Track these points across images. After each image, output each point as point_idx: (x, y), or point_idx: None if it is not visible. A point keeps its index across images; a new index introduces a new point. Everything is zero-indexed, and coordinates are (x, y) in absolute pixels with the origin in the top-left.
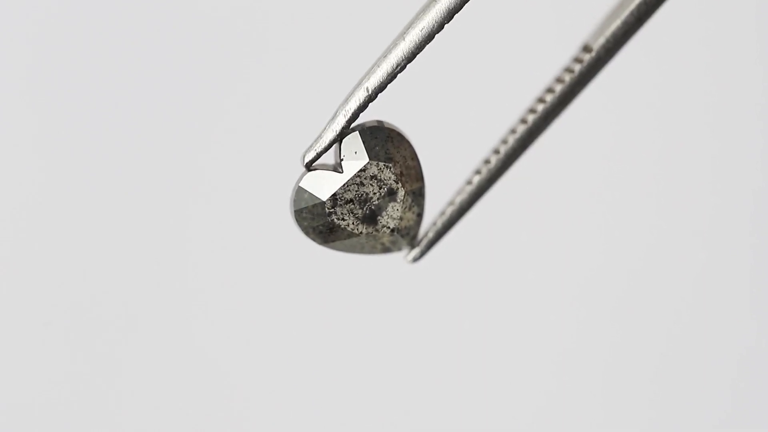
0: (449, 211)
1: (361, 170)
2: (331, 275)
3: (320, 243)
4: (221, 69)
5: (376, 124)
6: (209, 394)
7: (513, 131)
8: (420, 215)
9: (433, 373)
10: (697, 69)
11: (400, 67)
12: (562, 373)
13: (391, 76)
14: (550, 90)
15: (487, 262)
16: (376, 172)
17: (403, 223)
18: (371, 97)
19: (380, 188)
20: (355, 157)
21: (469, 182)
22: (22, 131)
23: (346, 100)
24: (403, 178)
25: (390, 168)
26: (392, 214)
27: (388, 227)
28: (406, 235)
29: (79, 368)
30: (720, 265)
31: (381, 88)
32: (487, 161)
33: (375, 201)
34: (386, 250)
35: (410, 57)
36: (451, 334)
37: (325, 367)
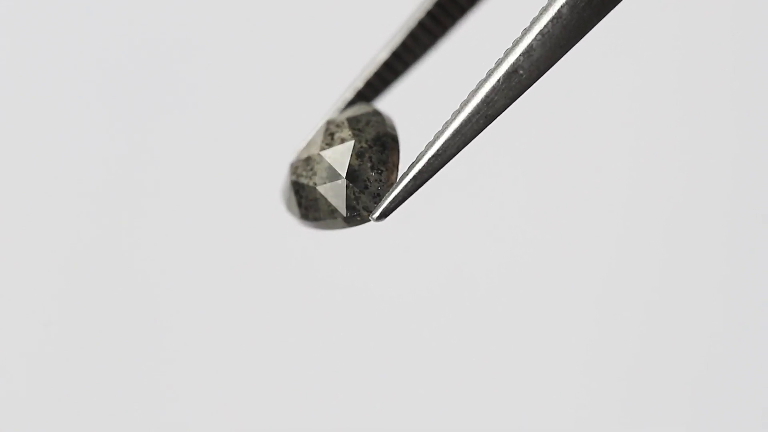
0: (413, 167)
1: (321, 126)
2: (326, 275)
3: (300, 216)
4: (218, 67)
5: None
6: (203, 392)
7: (479, 87)
8: (381, 172)
9: (427, 374)
10: (713, 65)
11: (390, 52)
12: (563, 374)
13: (380, 65)
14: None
15: (485, 260)
16: (331, 128)
17: (361, 176)
18: (358, 88)
19: (333, 138)
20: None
21: (430, 143)
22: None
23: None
24: (360, 131)
25: (347, 123)
26: (343, 161)
27: (341, 175)
28: (365, 190)
29: (72, 367)
30: (731, 266)
31: (368, 77)
32: (447, 122)
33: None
34: (352, 209)
35: (395, 48)
36: (447, 334)
37: (319, 367)
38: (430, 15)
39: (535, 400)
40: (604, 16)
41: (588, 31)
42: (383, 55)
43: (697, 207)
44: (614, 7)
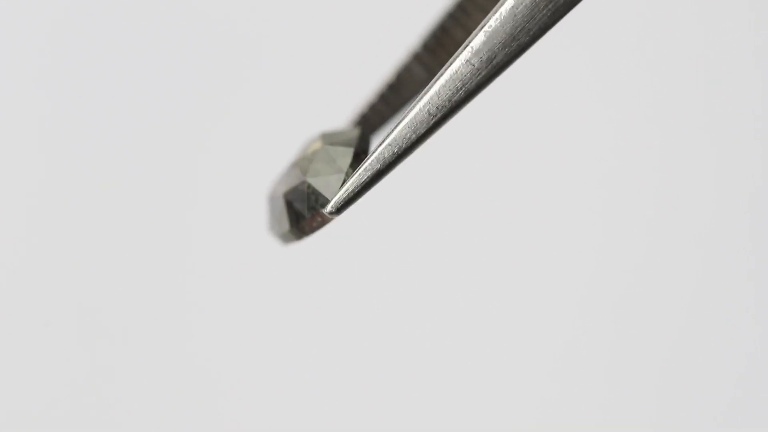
0: (367, 159)
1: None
2: (324, 279)
3: (276, 231)
4: (226, 69)
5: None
6: (203, 395)
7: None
8: (340, 170)
9: (417, 374)
10: (693, 65)
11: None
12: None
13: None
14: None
15: (477, 258)
16: (307, 144)
17: (323, 178)
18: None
19: (305, 150)
20: None
21: (384, 136)
22: (21, 130)
23: None
24: (330, 140)
25: (320, 137)
26: (307, 167)
27: (302, 178)
28: (327, 188)
29: (72, 368)
30: (719, 264)
31: (362, 111)
32: (401, 118)
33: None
34: (312, 209)
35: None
36: (441, 332)
37: (317, 368)
38: (427, 47)
39: (521, 398)
40: (565, 12)
41: (548, 29)
42: (379, 89)
43: (677, 201)
44: (574, 5)
